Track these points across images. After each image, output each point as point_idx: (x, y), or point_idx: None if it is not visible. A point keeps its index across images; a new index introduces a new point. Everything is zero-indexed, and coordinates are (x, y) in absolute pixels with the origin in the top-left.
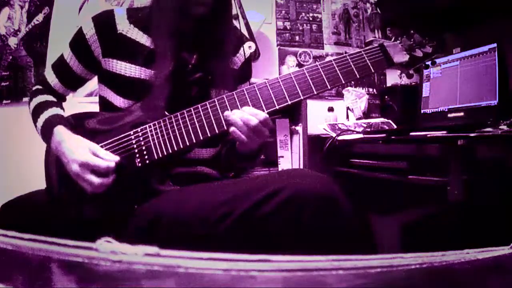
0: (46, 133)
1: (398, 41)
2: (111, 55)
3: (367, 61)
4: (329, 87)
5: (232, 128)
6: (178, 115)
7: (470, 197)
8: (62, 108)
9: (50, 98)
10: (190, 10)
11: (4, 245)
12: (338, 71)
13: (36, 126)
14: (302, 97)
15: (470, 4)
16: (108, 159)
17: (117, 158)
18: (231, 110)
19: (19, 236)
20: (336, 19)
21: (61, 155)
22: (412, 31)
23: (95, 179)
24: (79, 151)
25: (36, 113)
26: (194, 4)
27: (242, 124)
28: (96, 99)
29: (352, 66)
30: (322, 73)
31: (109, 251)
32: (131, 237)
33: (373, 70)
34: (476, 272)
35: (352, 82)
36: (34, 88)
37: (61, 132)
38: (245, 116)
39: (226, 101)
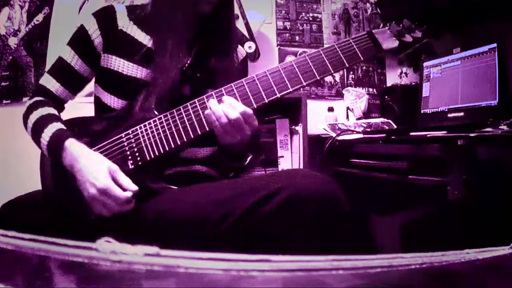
0: (55, 146)
1: (387, 27)
2: (110, 51)
3: (356, 49)
4: (318, 77)
5: (210, 117)
6: (168, 114)
7: (470, 197)
8: (62, 122)
9: (52, 111)
10: (195, 9)
11: (4, 245)
12: (326, 61)
13: (39, 139)
14: (291, 89)
15: (470, 4)
16: (129, 189)
17: (135, 188)
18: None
19: (19, 236)
20: (336, 19)
21: (77, 172)
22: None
23: (115, 207)
24: (99, 173)
25: (38, 126)
26: (200, 3)
27: (222, 115)
28: None
29: (341, 54)
30: (311, 63)
31: (109, 251)
32: (131, 237)
33: (362, 58)
34: (476, 272)
35: (352, 82)
36: (31, 101)
37: (75, 146)
38: (225, 107)
39: (215, 97)
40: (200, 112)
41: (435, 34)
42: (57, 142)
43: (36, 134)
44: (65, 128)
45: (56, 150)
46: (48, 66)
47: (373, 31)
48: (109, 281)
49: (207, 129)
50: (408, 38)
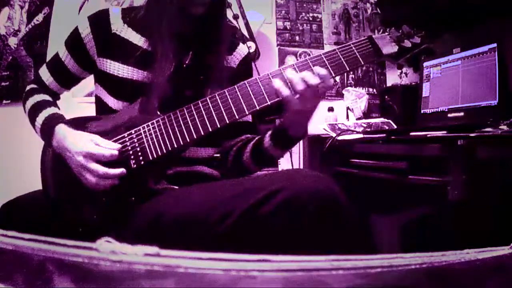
0: (47, 131)
1: (387, 33)
2: (105, 55)
3: (356, 53)
4: None
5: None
6: (171, 115)
7: (470, 197)
8: (58, 108)
9: (47, 97)
10: (189, 10)
11: (4, 245)
12: (328, 65)
13: (34, 125)
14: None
15: (470, 4)
16: (112, 147)
17: (119, 146)
18: (224, 108)
19: (19, 236)
20: (336, 19)
21: (64, 150)
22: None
23: (101, 168)
24: (82, 143)
25: (34, 112)
26: (194, 5)
27: (299, 80)
28: None
29: (342, 59)
30: (312, 67)
31: (109, 251)
32: (131, 237)
33: (362, 63)
34: (476, 272)
35: (352, 82)
36: (29, 87)
37: (63, 130)
38: (305, 75)
39: (218, 99)
40: (203, 112)
41: (433, 39)
42: (48, 126)
43: (32, 118)
44: (58, 112)
45: (47, 134)
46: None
47: (373, 36)
48: (109, 281)
49: (210, 129)
50: (407, 44)
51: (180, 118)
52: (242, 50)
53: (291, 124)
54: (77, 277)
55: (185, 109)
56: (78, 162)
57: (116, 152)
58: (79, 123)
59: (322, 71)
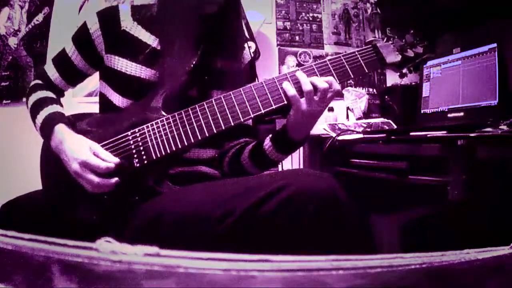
0: (46, 129)
1: (390, 42)
2: (113, 51)
3: (361, 61)
4: None
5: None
6: (176, 115)
7: (470, 197)
8: (61, 105)
9: (50, 94)
10: (201, 9)
11: (4, 245)
12: (333, 71)
13: (35, 122)
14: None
15: (470, 4)
16: (109, 160)
17: (117, 160)
18: (229, 110)
19: (19, 236)
20: (336, 19)
21: (62, 153)
22: (412, 31)
23: (95, 179)
24: (80, 150)
25: (35, 108)
26: (207, 3)
27: (307, 81)
28: (96, 99)
29: (347, 66)
30: (318, 73)
31: (109, 251)
32: (131, 237)
33: (366, 70)
34: (476, 272)
35: (352, 82)
36: (33, 83)
37: (62, 131)
38: (314, 79)
39: (224, 101)
40: (209, 114)
41: (434, 48)
42: (48, 125)
43: (33, 115)
44: (59, 111)
45: (47, 133)
46: (48, 60)
47: (378, 44)
48: (109, 281)
49: (215, 131)
50: (410, 53)
51: (185, 119)
52: (249, 52)
53: (293, 126)
54: (77, 277)
55: (190, 109)
56: (73, 168)
57: (112, 165)
58: (82, 120)
59: (330, 78)
